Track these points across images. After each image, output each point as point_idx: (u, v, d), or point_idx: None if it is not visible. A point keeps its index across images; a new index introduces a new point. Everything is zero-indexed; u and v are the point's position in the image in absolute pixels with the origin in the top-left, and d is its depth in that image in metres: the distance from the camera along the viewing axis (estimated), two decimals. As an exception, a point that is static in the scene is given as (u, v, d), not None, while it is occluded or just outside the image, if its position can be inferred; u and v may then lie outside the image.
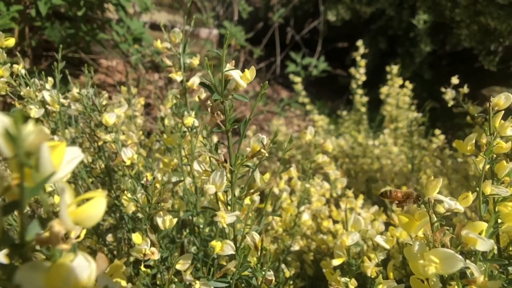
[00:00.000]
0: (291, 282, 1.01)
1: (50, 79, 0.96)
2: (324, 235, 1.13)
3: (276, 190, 1.09)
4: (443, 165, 1.64)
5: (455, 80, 1.32)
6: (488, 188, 0.63)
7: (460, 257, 0.43)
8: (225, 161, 0.56)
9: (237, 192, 0.60)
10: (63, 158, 0.29)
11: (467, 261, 0.47)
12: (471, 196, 0.52)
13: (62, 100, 0.97)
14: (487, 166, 0.68)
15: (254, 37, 3.95)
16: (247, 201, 0.62)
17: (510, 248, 0.64)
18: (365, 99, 2.38)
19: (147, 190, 0.59)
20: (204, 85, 0.50)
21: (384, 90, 2.32)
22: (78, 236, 0.29)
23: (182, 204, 0.97)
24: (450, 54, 5.31)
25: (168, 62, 0.90)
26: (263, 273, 0.57)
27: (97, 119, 0.92)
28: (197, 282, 0.56)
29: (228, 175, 0.55)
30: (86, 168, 1.01)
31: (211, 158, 0.56)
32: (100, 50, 3.38)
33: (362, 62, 2.36)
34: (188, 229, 1.05)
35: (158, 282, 0.68)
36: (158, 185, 0.61)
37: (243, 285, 0.68)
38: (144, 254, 0.59)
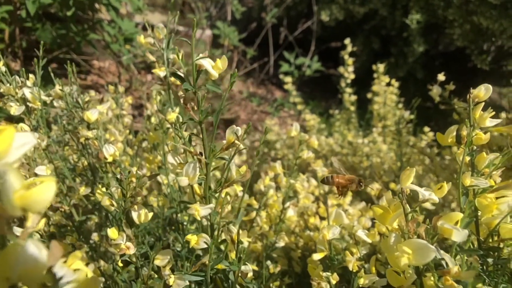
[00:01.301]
0: (277, 279, 1.00)
1: (31, 76, 0.94)
2: (311, 232, 1.12)
3: (261, 187, 1.08)
4: (431, 163, 1.65)
5: (441, 77, 1.32)
6: (468, 180, 0.63)
7: (433, 247, 0.43)
8: (201, 153, 0.56)
9: (213, 185, 0.59)
10: (11, 143, 0.28)
11: (442, 252, 0.47)
12: (445, 186, 0.52)
13: (44, 98, 0.95)
14: (468, 158, 0.68)
15: (247, 37, 3.95)
16: (224, 194, 0.61)
17: (490, 240, 0.64)
18: (353, 97, 2.39)
19: (122, 184, 0.58)
20: (175, 75, 0.49)
21: (375, 88, 2.33)
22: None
23: (166, 201, 0.95)
24: (443, 54, 5.35)
25: (152, 57, 0.90)
26: (239, 266, 0.56)
27: (79, 116, 0.91)
28: (172, 276, 0.55)
29: (204, 167, 0.54)
30: (69, 166, 1.00)
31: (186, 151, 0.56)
32: (92, 52, 3.36)
33: (350, 61, 2.37)
34: (173, 227, 1.04)
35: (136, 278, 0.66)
36: (133, 179, 0.60)
37: (224, 283, 0.67)
38: (120, 249, 0.58)
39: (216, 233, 0.57)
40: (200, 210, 0.53)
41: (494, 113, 0.64)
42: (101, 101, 0.98)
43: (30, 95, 0.90)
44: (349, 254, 0.74)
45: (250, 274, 0.60)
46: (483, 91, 0.67)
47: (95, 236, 1.02)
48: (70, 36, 2.42)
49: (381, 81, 2.29)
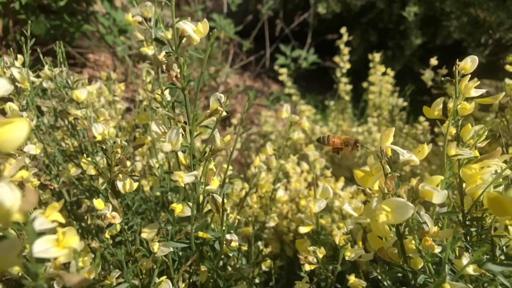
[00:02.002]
0: (267, 259, 1.01)
1: (19, 56, 0.94)
2: (302, 214, 1.13)
3: (253, 170, 1.08)
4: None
5: (434, 61, 1.32)
6: (453, 150, 0.63)
7: (411, 204, 0.43)
8: (185, 123, 0.56)
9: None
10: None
11: (421, 212, 0.47)
12: (426, 148, 0.52)
13: (33, 79, 0.95)
14: (454, 131, 0.68)
15: (243, 30, 3.93)
16: (211, 165, 0.61)
17: (474, 211, 0.64)
18: (349, 87, 2.39)
19: (107, 153, 0.58)
20: (157, 40, 0.49)
21: (372, 78, 2.33)
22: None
23: (156, 181, 0.96)
24: (440, 48, 5.34)
25: (140, 36, 0.89)
26: (224, 234, 0.56)
27: (69, 96, 0.91)
28: (157, 243, 0.56)
29: (187, 135, 0.55)
30: (59, 147, 1.00)
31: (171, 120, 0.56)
32: (88, 45, 3.34)
33: (346, 50, 2.37)
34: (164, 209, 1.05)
35: (124, 250, 0.67)
36: (118, 150, 0.60)
37: (209, 254, 0.68)
38: (106, 218, 0.58)
39: (200, 201, 0.58)
40: (184, 177, 0.53)
41: (479, 82, 0.64)
42: (89, 82, 0.98)
43: (19, 75, 0.90)
44: (335, 228, 0.75)
45: (235, 243, 0.60)
46: (469, 63, 0.67)
47: (88, 219, 1.02)
48: (64, 27, 2.41)
49: (377, 70, 2.29)
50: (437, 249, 0.48)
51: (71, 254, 0.37)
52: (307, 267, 0.72)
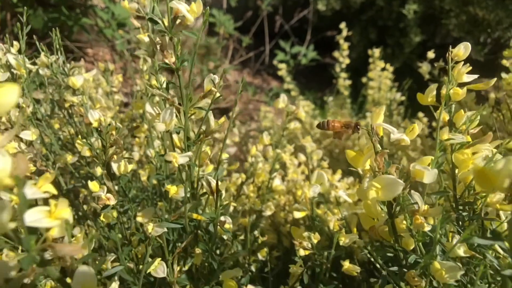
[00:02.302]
0: (263, 247, 1.01)
1: (15, 43, 0.94)
2: (299, 205, 1.13)
3: (249, 159, 1.09)
4: (422, 144, 1.66)
5: (431, 54, 1.33)
6: (445, 135, 0.64)
7: (401, 181, 0.44)
8: (180, 104, 0.56)
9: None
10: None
11: (412, 191, 0.48)
12: (416, 128, 0.53)
13: (29, 66, 0.95)
14: (447, 117, 0.69)
15: (243, 25, 3.93)
16: (207, 149, 0.62)
17: (466, 196, 0.65)
18: (348, 82, 2.39)
19: (101, 134, 0.58)
20: (151, 20, 0.50)
21: (371, 74, 2.33)
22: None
23: (153, 169, 0.96)
24: (440, 46, 5.35)
25: (137, 23, 0.89)
26: (218, 215, 0.57)
27: (65, 83, 0.91)
28: (151, 224, 0.56)
29: (181, 117, 0.55)
30: (56, 135, 1.00)
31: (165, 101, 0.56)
32: (87, 40, 3.34)
33: (345, 45, 2.37)
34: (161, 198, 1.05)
35: (119, 234, 0.67)
36: (113, 132, 0.60)
37: (204, 237, 0.68)
38: (101, 200, 0.59)
39: (195, 183, 0.58)
40: (178, 158, 0.54)
41: (471, 68, 0.64)
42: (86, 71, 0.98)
43: (15, 61, 0.90)
44: (330, 213, 0.75)
45: (229, 225, 0.61)
46: (462, 49, 0.68)
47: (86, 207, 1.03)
48: (62, 20, 2.40)
49: (376, 66, 2.30)
50: (427, 227, 0.48)
51: (63, 226, 0.37)
52: (302, 252, 0.72)
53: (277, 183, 0.99)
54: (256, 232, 1.03)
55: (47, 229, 0.38)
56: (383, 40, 4.65)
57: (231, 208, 0.83)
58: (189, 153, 0.55)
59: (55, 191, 0.37)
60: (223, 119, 0.58)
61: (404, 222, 0.51)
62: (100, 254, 0.86)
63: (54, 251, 0.36)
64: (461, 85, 0.66)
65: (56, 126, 1.04)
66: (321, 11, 4.03)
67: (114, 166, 0.60)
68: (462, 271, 0.49)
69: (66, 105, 0.88)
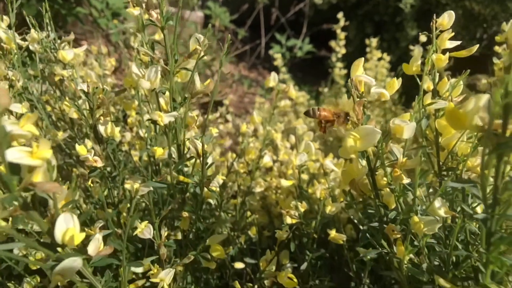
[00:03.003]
0: (254, 227, 1.02)
1: (5, 17, 0.94)
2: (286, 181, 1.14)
3: (240, 139, 1.10)
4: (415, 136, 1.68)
5: (423, 38, 1.33)
6: (428, 99, 0.65)
7: (378, 130, 0.45)
8: (166, 64, 0.57)
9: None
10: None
11: (390, 144, 0.49)
12: (396, 83, 0.54)
13: (20, 41, 0.95)
14: (431, 86, 0.70)
15: (239, 18, 3.93)
16: (193, 114, 0.62)
17: (449, 161, 0.66)
18: (344, 71, 2.41)
19: (88, 96, 0.59)
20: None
21: (367, 65, 2.35)
22: None
23: (143, 144, 0.97)
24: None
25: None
26: (204, 177, 0.58)
27: (55, 58, 0.91)
28: (137, 184, 0.57)
29: (167, 77, 0.55)
30: (47, 111, 1.00)
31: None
32: (82, 32, 3.32)
33: (342, 35, 2.39)
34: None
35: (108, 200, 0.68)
36: (100, 96, 0.61)
37: (190, 201, 0.69)
38: (88, 161, 0.59)
39: (181, 146, 0.59)
40: (164, 117, 0.54)
41: (453, 34, 0.65)
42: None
43: (4, 35, 0.90)
44: (316, 182, 0.76)
45: (216, 188, 0.62)
46: (446, 18, 0.69)
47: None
48: (56, 8, 2.39)
49: (373, 55, 2.32)
50: (406, 180, 0.49)
51: (45, 167, 0.38)
52: (289, 220, 0.73)
53: (266, 160, 1.00)
54: (247, 207, 1.04)
55: (29, 171, 0.39)
56: (379, 35, 4.68)
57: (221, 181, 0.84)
58: (174, 113, 0.56)
59: (37, 133, 0.38)
60: (209, 80, 0.59)
61: (385, 178, 0.52)
62: (88, 225, 0.87)
63: (36, 188, 0.37)
64: (444, 52, 0.67)
65: (46, 100, 1.04)
66: (318, 5, 4.04)
67: (101, 128, 0.60)
68: (440, 223, 0.50)
69: (56, 78, 0.88)
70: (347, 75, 2.58)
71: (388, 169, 0.50)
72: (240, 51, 4.10)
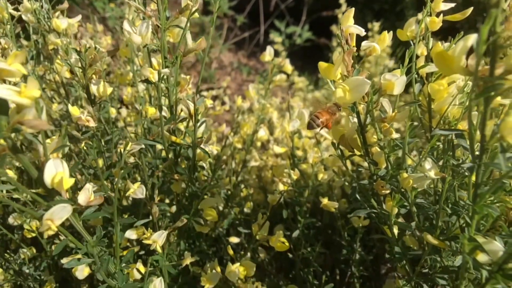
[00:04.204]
0: (250, 202, 1.03)
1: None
2: (283, 161, 1.15)
3: (236, 115, 1.10)
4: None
5: (420, 15, 1.33)
6: (422, 62, 0.65)
7: (368, 81, 0.45)
8: (157, 26, 0.56)
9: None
10: None
11: (381, 98, 0.49)
12: (387, 36, 0.53)
13: (12, 11, 0.94)
14: (425, 52, 0.70)
15: (238, 4, 3.88)
16: (183, 80, 0.62)
17: (441, 126, 0.66)
18: (342, 56, 2.40)
19: (80, 54, 0.59)
20: None
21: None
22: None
23: (138, 117, 0.96)
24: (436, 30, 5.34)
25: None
26: (195, 136, 0.58)
27: (49, 28, 0.91)
28: (129, 142, 0.57)
29: (158, 34, 0.55)
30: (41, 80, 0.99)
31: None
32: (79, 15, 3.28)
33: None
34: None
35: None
36: (92, 53, 0.61)
37: (183, 164, 0.69)
38: (80, 120, 0.59)
39: (174, 107, 0.59)
40: (155, 73, 0.54)
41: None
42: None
43: (-3, 3, 0.89)
44: (309, 150, 0.77)
45: (209, 150, 0.62)
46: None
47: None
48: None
49: (375, 40, 2.31)
50: (395, 135, 0.50)
51: (33, 106, 0.38)
52: (281, 187, 0.74)
53: (261, 133, 1.01)
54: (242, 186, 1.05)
55: (18, 111, 0.39)
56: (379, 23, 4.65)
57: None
58: (166, 70, 0.55)
59: (25, 72, 0.38)
60: (200, 39, 0.59)
61: (375, 136, 0.52)
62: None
63: (24, 127, 0.37)
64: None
65: (41, 72, 1.04)
66: (317, -8, 3.99)
67: (94, 87, 0.60)
68: (429, 179, 0.50)
69: (50, 47, 0.87)
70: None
71: (378, 126, 0.51)
72: (239, 38, 4.07)
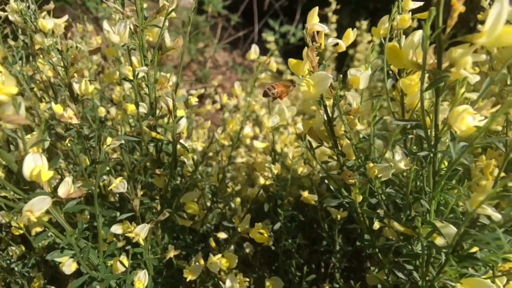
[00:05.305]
0: (238, 198, 1.05)
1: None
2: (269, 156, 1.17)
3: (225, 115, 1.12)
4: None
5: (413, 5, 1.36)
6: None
7: (330, 75, 0.47)
8: (137, 26, 0.58)
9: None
10: None
11: (346, 92, 0.52)
12: (351, 33, 0.56)
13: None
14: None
15: (232, 4, 3.90)
16: (164, 77, 0.65)
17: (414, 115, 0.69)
18: (334, 54, 2.42)
19: (62, 54, 0.61)
20: None
21: (359, 48, 2.37)
22: None
23: (123, 114, 0.98)
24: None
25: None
26: (175, 131, 0.60)
27: (35, 28, 0.92)
28: (110, 138, 0.59)
29: (137, 34, 0.57)
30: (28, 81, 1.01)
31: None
32: (71, 17, 3.30)
33: (334, 18, 2.40)
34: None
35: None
36: (73, 52, 0.63)
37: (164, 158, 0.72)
38: (63, 118, 0.61)
39: (154, 104, 0.61)
40: (138, 72, 0.57)
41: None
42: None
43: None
44: (289, 144, 0.79)
45: (188, 144, 0.64)
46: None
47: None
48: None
49: (363, 38, 2.34)
50: (360, 126, 0.52)
51: (11, 102, 0.40)
52: (261, 180, 0.76)
53: (247, 130, 1.03)
54: (228, 179, 1.07)
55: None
56: (373, 23, 4.68)
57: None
58: (144, 68, 0.58)
59: (2, 69, 0.40)
60: (180, 38, 0.61)
61: (343, 128, 0.55)
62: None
63: (1, 121, 0.39)
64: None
65: (29, 72, 1.05)
66: (311, -9, 4.02)
67: (76, 86, 0.62)
68: (393, 169, 0.53)
69: (36, 47, 0.89)
70: (337, 59, 2.60)
71: (346, 119, 0.53)
72: (233, 38, 4.09)
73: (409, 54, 0.38)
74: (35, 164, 0.45)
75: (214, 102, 1.91)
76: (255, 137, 1.20)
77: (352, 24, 5.05)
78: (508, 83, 0.68)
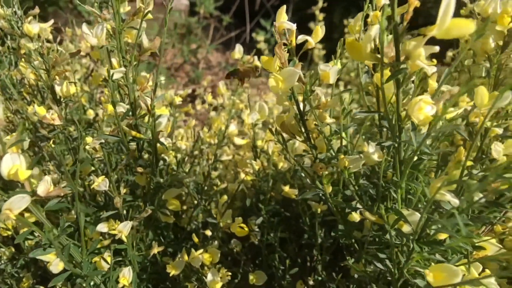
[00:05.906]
0: (225, 196, 1.06)
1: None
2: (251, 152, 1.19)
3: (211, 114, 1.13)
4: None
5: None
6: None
7: (298, 70, 0.49)
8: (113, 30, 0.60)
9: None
10: None
11: (314, 87, 0.53)
12: (320, 30, 0.58)
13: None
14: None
15: (224, 4, 3.92)
16: (143, 78, 0.66)
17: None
18: (322, 52, 2.46)
19: (44, 57, 0.62)
20: None
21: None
22: None
23: (111, 117, 1.00)
24: (422, 26, 5.41)
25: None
26: (154, 128, 0.62)
27: (21, 32, 0.94)
28: (90, 137, 0.61)
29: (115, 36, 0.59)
30: (15, 86, 1.03)
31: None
32: (63, 22, 3.30)
33: (321, 16, 2.43)
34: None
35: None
36: (54, 55, 0.64)
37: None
38: (46, 119, 0.63)
39: (134, 104, 0.62)
40: (113, 73, 0.58)
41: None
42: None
43: (-31, 10, 0.92)
44: (270, 136, 0.80)
45: (168, 142, 0.66)
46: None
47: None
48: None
49: (351, 35, 2.36)
50: (329, 120, 0.54)
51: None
52: (242, 176, 0.78)
53: (232, 128, 1.04)
54: (214, 176, 1.08)
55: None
56: (365, 22, 4.71)
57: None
58: (122, 69, 0.59)
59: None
60: (158, 38, 0.63)
61: (315, 122, 0.56)
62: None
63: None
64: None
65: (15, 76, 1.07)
66: (302, -10, 4.04)
67: (58, 88, 0.64)
68: (363, 160, 0.55)
69: (22, 51, 0.90)
70: (326, 56, 2.63)
71: (316, 113, 0.55)
72: (226, 38, 4.10)
73: (367, 48, 0.40)
74: (13, 164, 0.46)
75: (203, 102, 1.93)
76: (241, 135, 1.22)
77: (343, 23, 5.04)
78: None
